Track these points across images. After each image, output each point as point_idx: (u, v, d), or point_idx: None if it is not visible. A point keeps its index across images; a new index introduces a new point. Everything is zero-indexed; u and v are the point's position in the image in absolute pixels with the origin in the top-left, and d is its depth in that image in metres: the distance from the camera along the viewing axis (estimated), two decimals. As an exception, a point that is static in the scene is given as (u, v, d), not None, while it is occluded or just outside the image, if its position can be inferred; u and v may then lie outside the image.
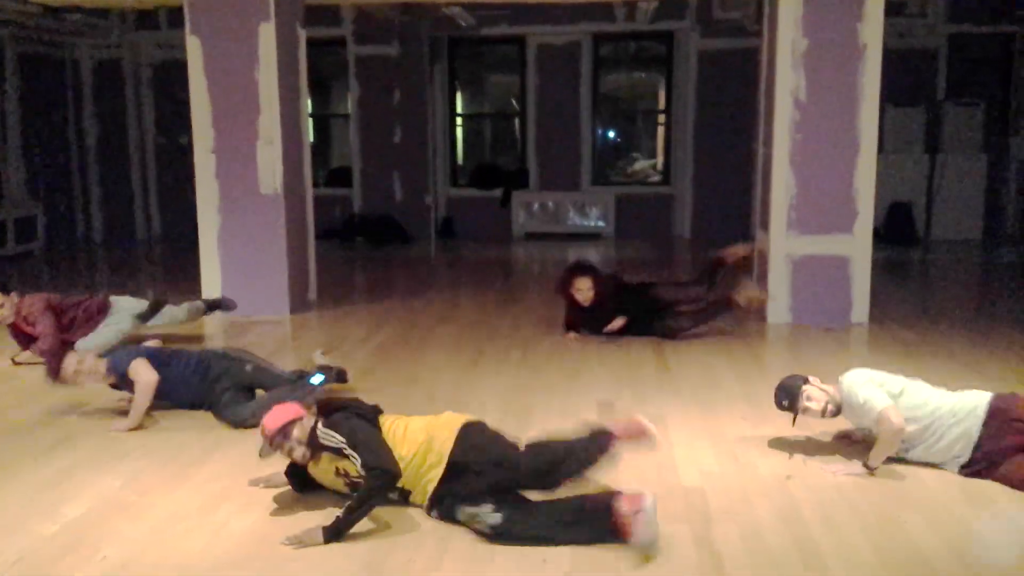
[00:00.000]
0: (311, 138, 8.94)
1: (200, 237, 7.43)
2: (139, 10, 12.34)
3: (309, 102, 8.65)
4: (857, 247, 6.83)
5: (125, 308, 6.20)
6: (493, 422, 4.55)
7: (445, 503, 3.38)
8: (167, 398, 4.74)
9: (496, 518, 3.23)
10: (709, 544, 3.22)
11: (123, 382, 4.64)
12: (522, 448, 3.48)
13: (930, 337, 6.47)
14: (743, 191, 11.98)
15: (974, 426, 3.73)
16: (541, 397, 5.06)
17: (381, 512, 3.44)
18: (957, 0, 11.97)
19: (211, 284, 7.41)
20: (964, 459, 3.75)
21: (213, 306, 6.73)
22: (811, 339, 6.45)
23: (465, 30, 12.52)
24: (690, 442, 4.30)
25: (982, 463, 3.71)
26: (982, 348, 6.10)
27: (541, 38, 13.09)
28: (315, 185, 8.56)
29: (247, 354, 5.05)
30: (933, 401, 3.84)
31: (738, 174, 12.19)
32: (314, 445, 3.44)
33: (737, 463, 4.03)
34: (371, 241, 12.65)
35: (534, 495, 3.38)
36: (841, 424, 4.22)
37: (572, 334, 6.54)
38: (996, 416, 3.72)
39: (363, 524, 3.31)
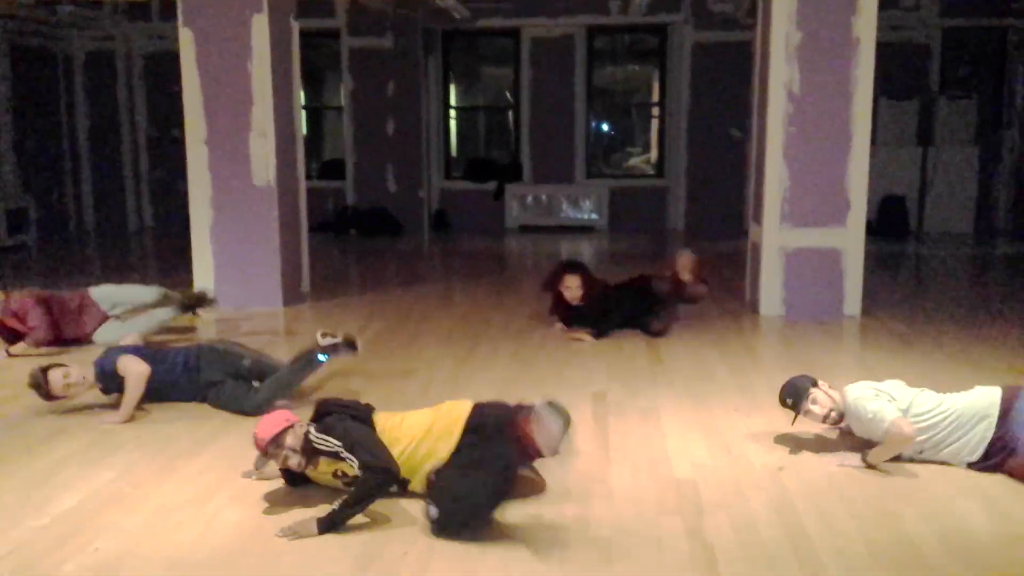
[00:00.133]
0: (304, 130, 8.92)
1: (192, 229, 7.41)
2: (131, 2, 12.28)
3: (302, 94, 8.63)
4: (850, 240, 6.84)
5: (108, 296, 6.19)
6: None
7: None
8: (156, 397, 4.70)
9: (434, 512, 3.20)
10: (702, 536, 3.23)
11: (112, 383, 4.61)
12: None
13: (922, 329, 6.50)
14: (736, 184, 12.02)
15: (990, 426, 3.71)
16: (534, 389, 5.04)
17: (376, 505, 3.44)
18: (951, -7, 12.01)
19: (204, 276, 7.39)
20: (976, 456, 3.74)
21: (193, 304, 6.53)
22: (804, 331, 6.47)
23: (459, 22, 12.49)
24: (683, 434, 4.31)
25: (996, 458, 3.70)
26: (974, 340, 6.12)
27: (535, 31, 13.08)
28: (308, 177, 8.55)
29: (240, 347, 5.03)
30: (943, 406, 3.80)
31: (732, 167, 12.22)
32: (309, 451, 3.40)
33: (730, 455, 4.04)
34: (364, 233, 12.64)
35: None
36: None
37: (559, 324, 6.50)
38: (1009, 411, 3.70)
39: (357, 517, 3.31)
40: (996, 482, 3.65)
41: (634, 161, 14.38)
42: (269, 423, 3.43)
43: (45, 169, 12.65)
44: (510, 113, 13.89)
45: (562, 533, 3.25)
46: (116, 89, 13.18)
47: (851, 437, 4.08)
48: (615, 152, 14.55)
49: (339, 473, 3.44)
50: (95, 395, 4.81)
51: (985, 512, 3.40)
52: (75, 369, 4.60)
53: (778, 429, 4.31)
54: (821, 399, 3.91)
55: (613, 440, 4.21)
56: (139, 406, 4.60)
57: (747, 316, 6.97)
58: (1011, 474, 3.65)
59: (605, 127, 14.47)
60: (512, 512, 3.39)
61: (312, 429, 3.43)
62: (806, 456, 3.99)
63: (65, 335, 6.01)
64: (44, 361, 4.83)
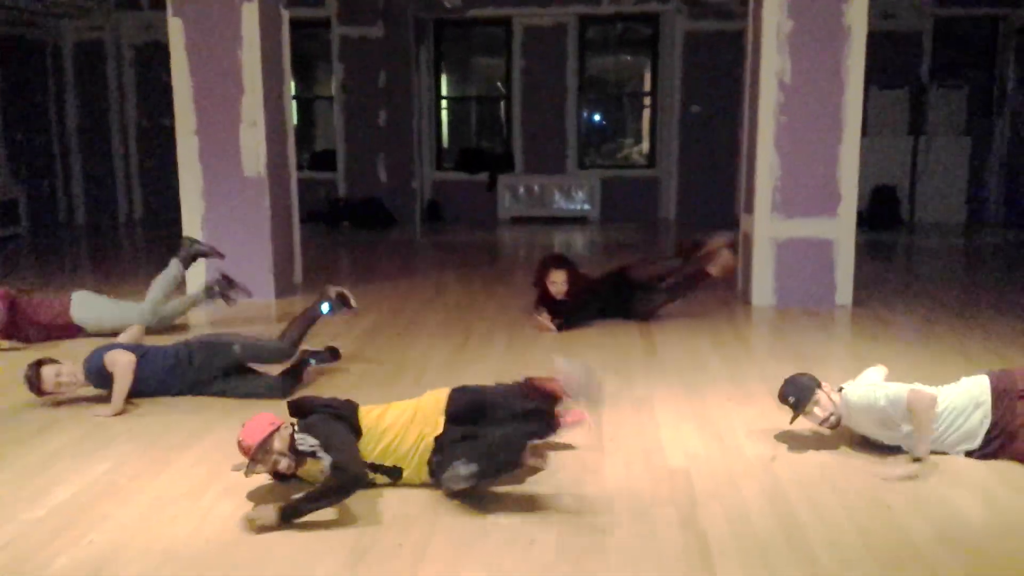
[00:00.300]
0: (295, 120, 8.89)
1: (183, 220, 7.38)
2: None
3: (293, 84, 8.60)
4: (841, 230, 6.86)
5: (89, 308, 6.10)
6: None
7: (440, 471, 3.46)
8: (148, 393, 4.68)
9: (472, 467, 3.28)
10: (695, 525, 3.24)
11: (101, 379, 4.60)
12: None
13: (913, 319, 6.52)
14: (728, 173, 12.03)
15: (985, 413, 3.72)
16: (528, 380, 5.06)
17: (369, 496, 3.44)
18: (942, -17, 12.02)
19: (195, 267, 7.35)
20: (976, 444, 3.75)
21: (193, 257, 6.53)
22: (795, 321, 6.49)
23: (451, 11, 12.45)
24: (676, 424, 4.33)
25: (996, 443, 3.71)
26: (965, 330, 6.15)
27: (527, 20, 13.05)
28: (299, 168, 8.53)
29: (230, 335, 5.03)
30: (938, 400, 3.78)
31: (723, 157, 12.23)
32: (296, 452, 3.41)
33: (723, 445, 4.05)
34: (356, 225, 12.61)
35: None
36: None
37: (544, 317, 6.43)
38: (1002, 396, 3.71)
39: (352, 508, 3.31)
40: (988, 471, 3.67)
41: (627, 151, 14.38)
42: (254, 428, 3.40)
43: (35, 160, 12.58)
44: (502, 103, 13.87)
45: (556, 522, 3.26)
46: (106, 79, 13.10)
47: (845, 430, 4.08)
48: (607, 142, 14.54)
49: (325, 471, 3.43)
50: (87, 388, 4.79)
51: (978, 502, 3.42)
52: (67, 367, 4.60)
53: (771, 419, 4.33)
54: (824, 403, 3.83)
55: (607, 430, 4.21)
56: (129, 400, 4.58)
57: (739, 306, 6.99)
58: (1017, 459, 3.67)
59: (597, 117, 14.45)
60: (506, 501, 3.40)
61: (295, 429, 3.44)
62: (799, 446, 4.00)
63: (28, 338, 5.97)
64: (38, 355, 4.81)
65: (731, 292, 7.43)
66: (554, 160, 13.31)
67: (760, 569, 2.92)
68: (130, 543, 3.14)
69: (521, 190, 13.24)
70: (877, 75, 10.95)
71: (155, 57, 12.27)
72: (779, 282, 6.91)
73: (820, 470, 3.74)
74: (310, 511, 3.21)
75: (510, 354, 5.69)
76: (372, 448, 3.51)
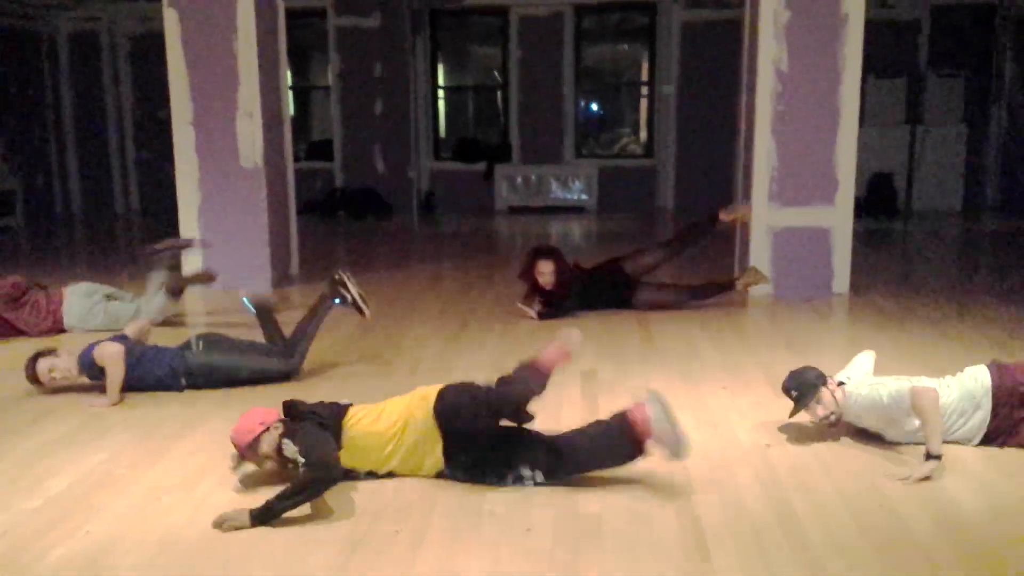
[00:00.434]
0: (291, 111, 8.87)
1: (180, 211, 7.38)
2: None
3: (289, 74, 8.58)
4: (838, 218, 6.86)
5: (80, 292, 6.06)
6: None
7: (471, 470, 3.46)
8: (144, 389, 4.67)
9: (540, 477, 3.43)
10: (690, 512, 3.25)
11: (94, 371, 4.59)
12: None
13: (911, 308, 6.53)
14: (726, 163, 12.02)
15: (985, 417, 3.70)
16: (524, 369, 5.07)
17: (366, 484, 3.45)
18: (939, -29, 12.00)
19: (192, 258, 7.36)
20: (976, 442, 3.73)
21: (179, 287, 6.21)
22: (792, 310, 6.49)
23: (447, 1, 12.41)
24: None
25: (1002, 433, 3.69)
26: (962, 318, 6.16)
27: (523, 10, 13.01)
28: (296, 158, 8.52)
29: (236, 351, 4.84)
30: (941, 395, 3.72)
31: (721, 146, 12.22)
32: (282, 456, 3.43)
33: (718, 432, 4.06)
34: (353, 215, 12.60)
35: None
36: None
37: (525, 305, 6.39)
38: (1004, 399, 3.68)
39: (348, 497, 3.32)
40: (981, 456, 3.68)
41: (625, 141, 14.37)
42: (244, 428, 3.42)
43: (30, 152, 12.55)
44: (499, 93, 13.84)
45: (552, 510, 3.27)
46: (101, 70, 13.07)
47: (844, 423, 4.08)
48: (604, 132, 14.52)
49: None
50: (82, 377, 4.80)
51: (971, 487, 3.43)
52: (62, 361, 4.61)
53: (766, 407, 4.34)
54: (827, 401, 3.78)
55: (603, 418, 4.22)
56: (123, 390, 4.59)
57: (736, 295, 6.98)
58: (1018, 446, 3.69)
59: (594, 107, 14.43)
60: (502, 488, 3.41)
61: (283, 430, 3.42)
62: (793, 433, 4.01)
63: (18, 326, 5.95)
64: (36, 344, 4.83)
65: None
66: (551, 150, 13.30)
67: (755, 555, 2.94)
68: (126, 533, 3.15)
69: (518, 180, 13.23)
70: (874, 64, 10.94)
71: (151, 48, 12.22)
72: (776, 271, 6.91)
73: (815, 457, 3.75)
74: (283, 510, 3.15)
75: (505, 343, 5.70)
76: (365, 459, 3.48)
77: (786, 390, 3.89)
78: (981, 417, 3.73)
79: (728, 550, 2.97)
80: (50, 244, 10.72)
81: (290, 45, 7.95)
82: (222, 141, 7.19)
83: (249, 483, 3.53)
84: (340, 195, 12.85)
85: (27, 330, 5.90)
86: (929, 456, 3.48)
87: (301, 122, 13.96)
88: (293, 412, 3.54)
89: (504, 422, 3.52)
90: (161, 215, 11.55)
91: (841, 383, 3.89)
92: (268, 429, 3.42)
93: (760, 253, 6.92)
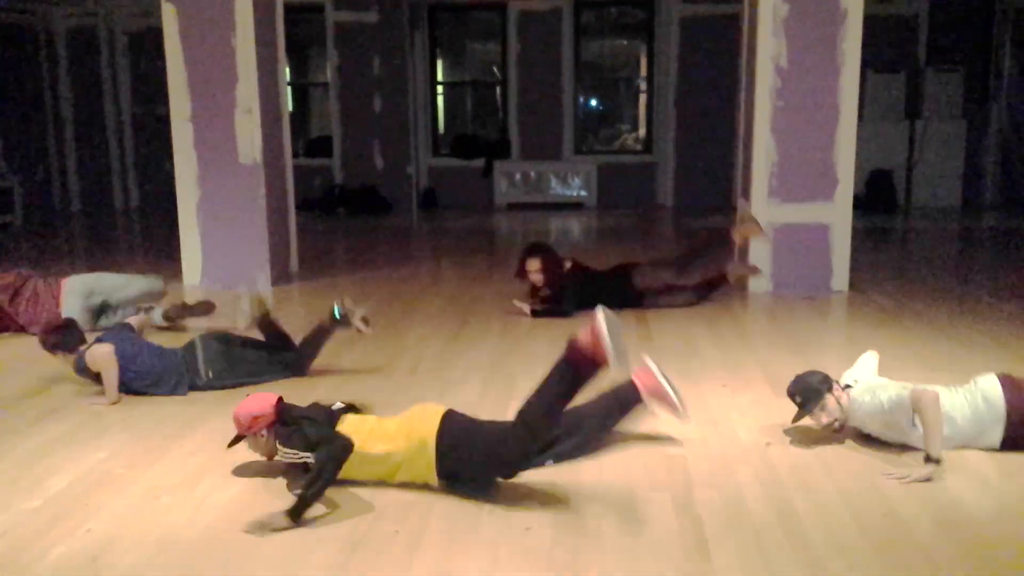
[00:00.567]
0: (290, 107, 8.86)
1: (179, 208, 7.37)
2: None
3: (287, 70, 8.56)
4: (837, 215, 6.85)
5: (81, 287, 6.02)
6: (476, 392, 4.59)
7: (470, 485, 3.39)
8: (144, 389, 4.64)
9: (550, 460, 3.51)
10: (690, 510, 3.25)
11: (90, 375, 4.59)
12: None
13: (910, 305, 6.53)
14: (725, 159, 12.02)
15: (995, 440, 3.65)
16: (524, 366, 5.06)
17: (365, 485, 3.45)
18: (938, -35, 11.98)
19: (191, 255, 7.37)
20: (998, 441, 3.67)
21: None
22: (791, 307, 6.49)
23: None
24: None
25: (1020, 436, 3.64)
26: (961, 315, 6.16)
27: (522, 5, 12.99)
28: (295, 155, 8.51)
29: (233, 354, 4.79)
30: (955, 403, 3.67)
31: (720, 142, 12.21)
32: (274, 451, 3.44)
33: (718, 431, 4.06)
34: (352, 212, 12.59)
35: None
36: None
37: (521, 303, 6.36)
38: (1015, 397, 3.63)
39: (347, 497, 3.31)
40: (982, 457, 3.67)
41: (624, 137, 14.36)
42: (245, 415, 3.47)
43: (29, 148, 12.54)
44: (497, 89, 13.82)
45: (551, 510, 3.27)
46: (100, 66, 13.05)
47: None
48: (603, 128, 14.51)
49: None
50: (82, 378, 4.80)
51: (971, 486, 3.43)
52: (61, 363, 4.69)
53: (766, 405, 4.34)
54: (831, 408, 3.74)
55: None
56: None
57: (735, 292, 6.98)
58: None
59: (593, 103, 14.42)
60: (501, 488, 3.41)
61: (278, 442, 3.40)
62: (793, 432, 4.00)
63: (17, 320, 5.94)
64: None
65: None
66: (550, 146, 13.29)
67: (755, 554, 2.94)
68: (126, 532, 3.15)
69: (517, 176, 13.22)
70: (873, 59, 10.94)
71: (149, 44, 12.22)
72: (775, 268, 6.91)
73: (815, 455, 3.75)
74: (314, 497, 3.16)
75: (506, 340, 5.69)
76: (351, 473, 3.39)
77: (791, 395, 3.83)
78: (989, 441, 3.66)
79: (728, 550, 2.97)
80: (49, 241, 10.71)
81: (288, 41, 7.94)
82: (221, 138, 7.18)
83: (248, 480, 3.53)
84: (339, 192, 12.84)
85: (26, 327, 5.89)
86: (928, 460, 3.46)
87: (300, 119, 13.95)
88: (286, 417, 3.47)
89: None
90: (160, 212, 11.55)
91: (848, 386, 3.84)
92: (263, 433, 3.45)
93: (759, 250, 6.91)
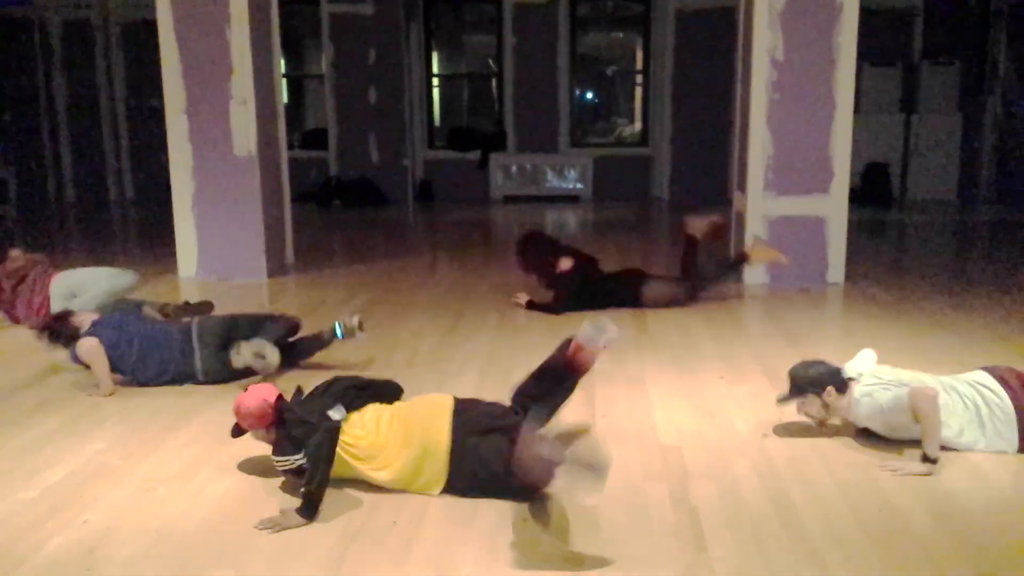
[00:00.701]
0: (285, 99, 8.83)
1: (174, 200, 7.35)
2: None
3: (282, 62, 8.54)
4: (833, 208, 6.86)
5: (65, 285, 5.91)
6: (473, 384, 4.59)
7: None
8: (137, 377, 4.63)
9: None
10: (687, 502, 3.25)
11: (83, 365, 4.60)
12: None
13: (905, 297, 6.54)
14: (721, 151, 12.02)
15: (1009, 407, 3.60)
16: (521, 359, 5.04)
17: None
18: (934, -41, 11.98)
19: (186, 247, 7.35)
20: (1016, 440, 3.61)
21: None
22: (787, 300, 6.49)
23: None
24: (668, 402, 4.34)
25: None
26: (957, 308, 6.17)
27: (518, -3, 12.97)
28: (290, 147, 8.49)
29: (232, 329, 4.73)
30: (965, 398, 3.64)
31: (716, 134, 12.22)
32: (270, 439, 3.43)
33: (714, 422, 4.07)
34: (348, 204, 12.57)
35: None
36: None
37: (521, 295, 6.35)
38: (1013, 389, 3.61)
39: (344, 488, 3.31)
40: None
41: (619, 130, 14.35)
42: (246, 415, 3.40)
43: (24, 140, 12.49)
44: (493, 81, 13.80)
45: (548, 501, 3.27)
46: (94, 58, 13.00)
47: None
48: (599, 121, 14.50)
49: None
50: (79, 367, 4.79)
51: (968, 479, 3.43)
52: (59, 355, 4.73)
53: (763, 397, 4.34)
54: (813, 410, 3.74)
55: (599, 408, 4.23)
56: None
57: (731, 284, 6.98)
58: None
59: (589, 95, 14.40)
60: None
61: (274, 445, 3.34)
62: (790, 424, 4.01)
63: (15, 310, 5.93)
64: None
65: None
66: (546, 138, 13.27)
67: (752, 545, 2.94)
68: (123, 523, 3.15)
69: (513, 169, 13.21)
70: (869, 52, 10.94)
71: (143, 36, 12.17)
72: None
73: (812, 447, 3.75)
74: (319, 491, 3.12)
75: (502, 333, 5.69)
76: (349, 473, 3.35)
77: (789, 375, 3.83)
78: (1003, 420, 3.59)
79: (725, 541, 2.97)
80: (44, 232, 10.67)
81: (284, 33, 7.91)
82: (216, 129, 7.16)
83: (245, 472, 3.53)
84: (335, 184, 12.82)
85: (22, 321, 5.88)
86: (925, 459, 3.45)
87: (295, 111, 13.92)
88: (286, 416, 3.37)
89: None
90: (155, 204, 11.52)
91: (851, 379, 3.75)
92: (263, 429, 3.43)
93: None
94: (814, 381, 3.74)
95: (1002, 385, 3.65)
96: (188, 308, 5.85)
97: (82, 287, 5.88)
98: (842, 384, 3.73)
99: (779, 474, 3.49)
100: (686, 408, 4.26)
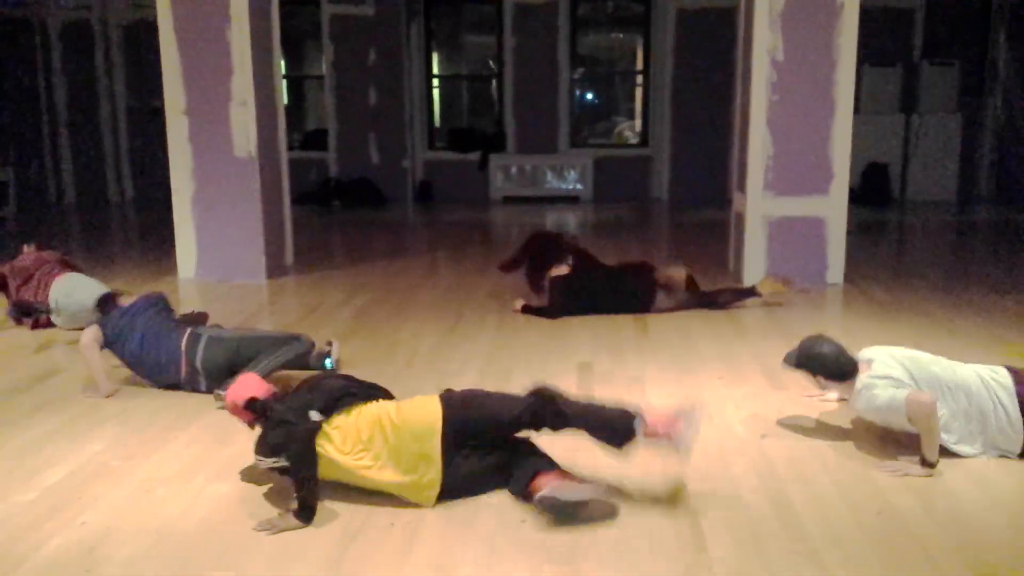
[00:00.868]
0: (285, 100, 8.84)
1: (174, 201, 7.35)
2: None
3: (283, 63, 8.54)
4: (833, 208, 6.86)
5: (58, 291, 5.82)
6: (473, 383, 4.56)
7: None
8: (141, 370, 4.62)
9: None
10: (687, 503, 3.25)
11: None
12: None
13: (905, 297, 6.54)
14: (721, 152, 12.02)
15: (1016, 413, 3.55)
16: (520, 360, 5.08)
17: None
18: (935, -41, 11.98)
19: (186, 248, 7.36)
20: (1020, 446, 3.59)
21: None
22: (787, 300, 6.48)
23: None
24: (667, 402, 4.32)
25: None
26: (956, 308, 6.17)
27: (518, -3, 12.97)
28: (290, 148, 8.49)
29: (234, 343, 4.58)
30: (970, 391, 3.60)
31: (716, 135, 12.22)
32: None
33: (713, 423, 4.06)
34: (348, 205, 12.57)
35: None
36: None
37: (519, 302, 6.25)
38: None
39: (343, 490, 3.31)
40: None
41: (621, 127, 14.34)
42: (233, 406, 3.38)
43: (23, 141, 12.50)
44: (493, 82, 13.80)
45: (547, 500, 3.26)
46: (94, 59, 13.01)
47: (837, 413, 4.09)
48: (600, 121, 14.50)
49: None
50: (78, 368, 4.80)
51: (967, 478, 3.44)
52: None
53: (762, 398, 4.35)
54: (808, 383, 3.88)
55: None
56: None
57: (730, 285, 6.98)
58: None
59: (589, 96, 14.40)
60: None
61: (256, 445, 3.30)
62: (789, 424, 4.02)
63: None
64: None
65: (723, 271, 7.45)
66: (546, 139, 13.27)
67: (751, 546, 2.94)
68: (122, 524, 3.15)
69: (513, 170, 13.21)
70: (869, 53, 10.94)
71: (143, 36, 12.17)
72: (771, 260, 6.92)
73: (810, 447, 3.75)
74: (310, 496, 3.10)
75: (502, 334, 5.69)
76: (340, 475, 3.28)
77: (799, 345, 3.84)
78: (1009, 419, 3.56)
79: (724, 541, 2.98)
80: (44, 233, 10.66)
81: (284, 34, 7.91)
82: (216, 130, 7.16)
83: (244, 473, 3.53)
84: (335, 185, 12.82)
85: (23, 321, 5.87)
86: (924, 462, 3.45)
87: (295, 112, 13.92)
88: (268, 415, 3.31)
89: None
90: (155, 205, 11.52)
91: (867, 360, 3.69)
92: (249, 423, 3.41)
93: (755, 243, 6.93)
94: (810, 362, 3.76)
95: (1017, 384, 3.58)
96: (183, 319, 5.80)
97: (74, 292, 5.76)
98: (841, 374, 3.71)
99: (778, 474, 3.50)
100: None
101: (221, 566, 2.87)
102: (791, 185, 6.83)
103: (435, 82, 13.94)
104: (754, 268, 6.93)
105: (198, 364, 4.46)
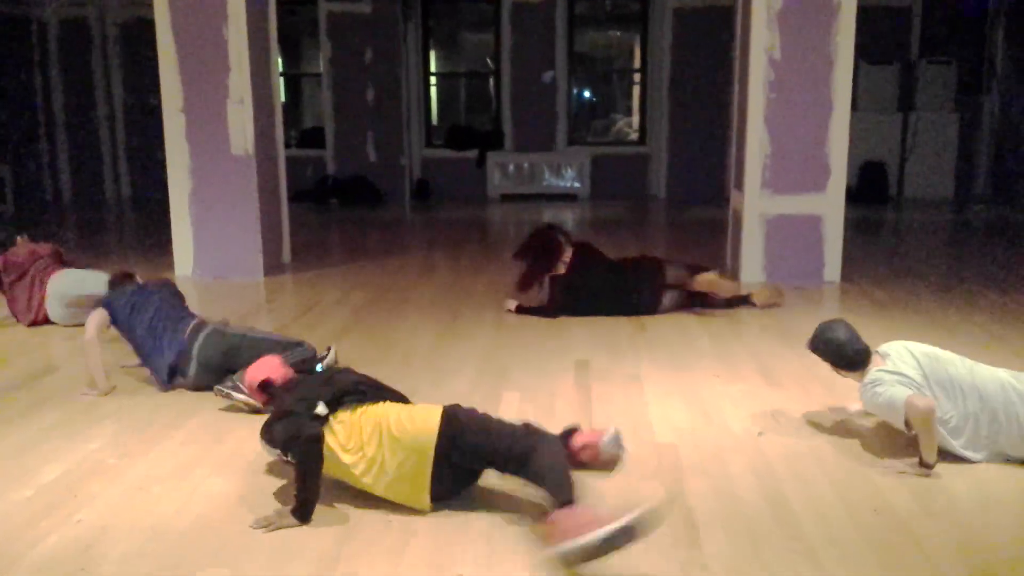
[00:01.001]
0: (282, 98, 8.83)
1: (171, 199, 7.35)
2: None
3: (280, 61, 8.53)
4: (830, 206, 6.87)
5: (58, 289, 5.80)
6: (470, 381, 4.60)
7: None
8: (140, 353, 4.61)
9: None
10: (682, 500, 3.25)
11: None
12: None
13: (902, 296, 6.55)
14: (719, 150, 12.02)
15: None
16: (518, 358, 5.08)
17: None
18: (932, -43, 11.99)
19: (183, 246, 7.35)
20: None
21: None
22: (783, 301, 6.48)
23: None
24: (664, 400, 4.34)
25: None
26: (953, 307, 6.18)
27: (516, -5, 12.96)
28: (287, 146, 8.48)
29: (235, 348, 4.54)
30: (979, 389, 3.55)
31: (714, 133, 12.22)
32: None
33: (710, 420, 4.07)
34: (345, 203, 12.57)
35: None
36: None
37: (512, 302, 6.19)
38: None
39: (340, 486, 3.31)
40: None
41: (619, 124, 14.34)
42: (250, 385, 3.58)
43: (20, 138, 12.48)
44: (491, 80, 13.79)
45: (544, 500, 3.26)
46: (91, 57, 12.99)
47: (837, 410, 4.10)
48: (597, 119, 14.50)
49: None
50: (75, 365, 4.79)
51: (963, 477, 3.44)
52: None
53: (758, 395, 4.35)
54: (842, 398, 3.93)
55: (596, 406, 4.23)
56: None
57: (728, 283, 6.98)
58: None
59: (587, 94, 14.40)
60: (494, 478, 3.41)
61: (262, 430, 3.31)
62: (785, 422, 4.02)
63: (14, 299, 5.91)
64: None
65: (720, 269, 7.43)
66: (544, 137, 13.27)
67: (746, 543, 2.95)
68: (118, 522, 3.14)
69: (511, 167, 13.20)
70: (867, 51, 10.94)
71: (140, 34, 12.15)
72: (768, 258, 6.93)
73: (807, 445, 3.76)
74: (311, 494, 3.10)
75: (499, 332, 5.69)
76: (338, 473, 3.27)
77: (817, 330, 3.81)
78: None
79: (720, 539, 2.98)
80: (41, 231, 10.65)
81: (281, 32, 7.91)
82: (213, 128, 7.16)
83: (240, 470, 3.53)
84: (332, 183, 12.81)
85: (19, 319, 5.86)
86: (922, 463, 3.44)
87: (292, 109, 13.91)
88: (277, 401, 3.38)
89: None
90: (152, 202, 11.50)
91: (883, 355, 3.68)
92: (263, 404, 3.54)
93: (752, 241, 6.93)
94: (821, 346, 3.77)
95: None
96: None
97: (85, 281, 5.79)
98: (849, 363, 3.70)
99: (774, 472, 3.50)
100: (682, 406, 4.26)
101: (217, 563, 2.87)
102: (788, 183, 6.84)
103: (433, 80, 13.93)
104: (751, 266, 6.94)
105: (194, 352, 4.47)
